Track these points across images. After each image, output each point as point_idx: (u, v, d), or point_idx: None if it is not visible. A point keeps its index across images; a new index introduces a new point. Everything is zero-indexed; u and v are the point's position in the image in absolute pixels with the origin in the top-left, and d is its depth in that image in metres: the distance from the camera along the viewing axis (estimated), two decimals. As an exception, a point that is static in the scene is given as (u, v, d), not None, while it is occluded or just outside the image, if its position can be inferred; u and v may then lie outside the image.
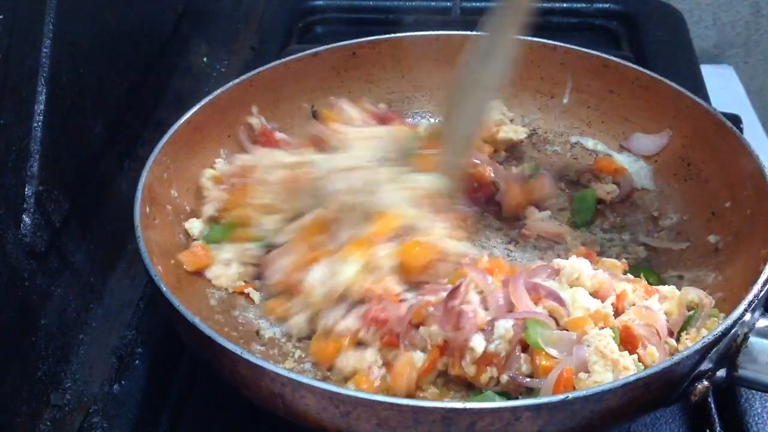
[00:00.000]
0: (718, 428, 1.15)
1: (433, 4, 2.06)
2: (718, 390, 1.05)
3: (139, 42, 1.52)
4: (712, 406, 1.17)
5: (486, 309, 1.13)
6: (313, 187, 1.31)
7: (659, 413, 1.18)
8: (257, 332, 1.25)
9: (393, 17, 2.02)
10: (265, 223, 1.32)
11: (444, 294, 1.15)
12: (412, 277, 1.22)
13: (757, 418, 1.15)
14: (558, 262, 1.19)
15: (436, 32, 1.56)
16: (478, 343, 1.08)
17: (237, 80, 1.44)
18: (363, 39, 1.53)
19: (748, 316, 1.02)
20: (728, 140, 1.32)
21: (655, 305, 1.15)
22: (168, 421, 1.19)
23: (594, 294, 1.15)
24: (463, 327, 1.09)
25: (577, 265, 1.17)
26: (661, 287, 1.20)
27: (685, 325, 1.15)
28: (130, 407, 1.18)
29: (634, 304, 1.15)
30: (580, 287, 1.15)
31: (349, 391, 0.98)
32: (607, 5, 2.04)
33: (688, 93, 1.40)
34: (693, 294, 1.17)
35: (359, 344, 1.17)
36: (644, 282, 1.20)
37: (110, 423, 1.17)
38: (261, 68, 1.47)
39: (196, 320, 1.04)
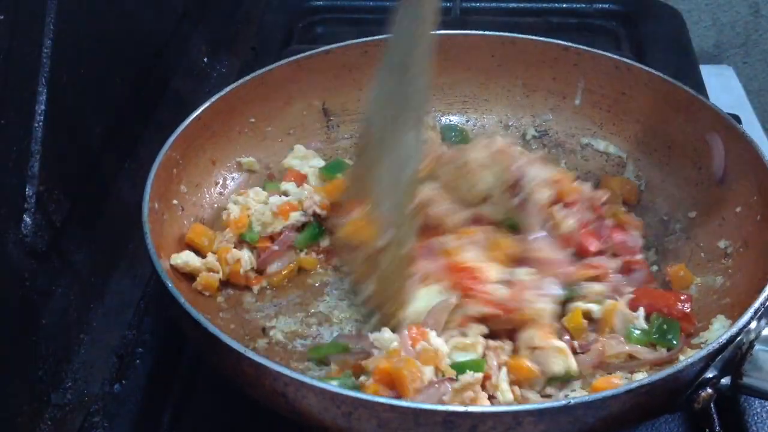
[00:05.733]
0: (717, 429, 1.15)
1: (433, 3, 2.05)
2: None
3: (139, 42, 1.52)
4: (712, 406, 1.17)
5: None
6: None
7: (659, 413, 1.18)
8: (263, 330, 1.25)
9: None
10: None
11: None
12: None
13: (756, 419, 1.15)
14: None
15: (443, 32, 1.54)
16: None
17: (248, 77, 1.43)
18: (375, 37, 1.51)
19: (753, 324, 1.02)
20: (740, 145, 1.30)
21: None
22: (169, 420, 1.19)
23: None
24: None
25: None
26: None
27: None
28: (131, 407, 1.18)
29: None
30: None
31: (351, 392, 0.98)
32: (607, 5, 2.04)
33: (701, 96, 1.38)
34: None
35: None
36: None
37: (111, 423, 1.16)
38: (273, 65, 1.46)
39: (201, 317, 1.04)
